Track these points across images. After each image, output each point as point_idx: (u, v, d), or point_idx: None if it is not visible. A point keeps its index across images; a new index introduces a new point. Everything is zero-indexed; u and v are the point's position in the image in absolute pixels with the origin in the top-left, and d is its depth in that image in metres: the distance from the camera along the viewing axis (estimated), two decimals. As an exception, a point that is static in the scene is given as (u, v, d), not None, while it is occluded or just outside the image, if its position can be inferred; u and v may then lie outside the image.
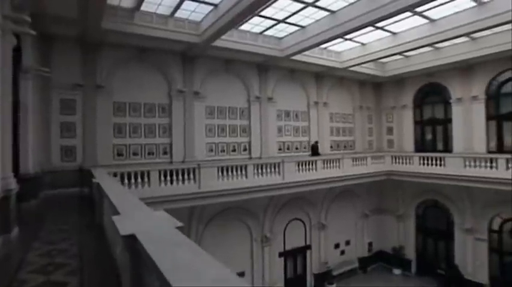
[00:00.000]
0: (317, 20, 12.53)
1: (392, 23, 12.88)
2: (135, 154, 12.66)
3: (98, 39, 11.46)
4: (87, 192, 11.07)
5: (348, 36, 14.13)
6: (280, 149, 16.44)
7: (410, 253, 18.46)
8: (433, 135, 18.18)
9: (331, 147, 18.38)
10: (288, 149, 16.71)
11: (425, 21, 12.77)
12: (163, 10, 11.36)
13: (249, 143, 15.35)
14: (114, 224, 2.91)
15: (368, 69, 17.48)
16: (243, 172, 12.73)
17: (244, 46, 13.24)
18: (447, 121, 17.43)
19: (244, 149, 15.26)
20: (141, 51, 12.60)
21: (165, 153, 13.23)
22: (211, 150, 14.37)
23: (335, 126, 18.64)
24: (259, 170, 13.20)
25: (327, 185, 15.33)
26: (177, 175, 11.31)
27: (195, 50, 13.12)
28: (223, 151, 14.68)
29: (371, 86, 20.21)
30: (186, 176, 11.44)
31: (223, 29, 11.37)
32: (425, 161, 16.23)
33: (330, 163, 15.49)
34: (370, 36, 14.46)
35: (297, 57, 14.68)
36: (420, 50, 15.38)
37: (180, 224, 2.82)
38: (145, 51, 12.67)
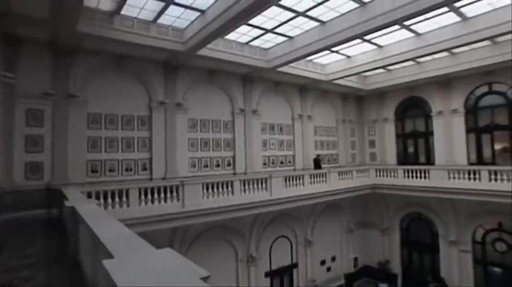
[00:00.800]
0: (306, 31, 12.18)
1: (380, 36, 12.81)
2: (111, 170, 11.47)
3: (71, 44, 10.38)
4: (55, 214, 9.75)
5: (334, 49, 13.92)
6: (265, 164, 15.76)
7: (396, 267, 18.16)
8: (415, 148, 18.28)
9: (316, 161, 17.95)
10: (272, 163, 16.07)
11: (411, 35, 12.80)
12: (146, 15, 10.53)
13: (234, 157, 14.55)
14: (108, 274, 2.05)
15: (351, 82, 17.40)
16: (229, 189, 11.88)
17: (230, 56, 12.61)
18: (428, 134, 17.60)
19: (229, 164, 14.42)
20: (119, 59, 11.61)
21: (144, 169, 12.12)
22: (194, 165, 13.41)
23: (319, 139, 18.29)
24: (246, 186, 12.41)
25: (314, 201, 14.76)
26: (158, 193, 10.27)
27: (178, 59, 12.31)
28: (207, 166, 13.77)
29: (353, 99, 20.19)
30: (168, 194, 10.42)
31: (210, 36, 10.69)
32: (410, 174, 16.16)
33: (316, 177, 15.01)
34: (356, 49, 14.35)
35: (283, 68, 14.24)
36: (402, 64, 15.52)
37: (205, 273, 2.02)
38: (125, 58, 11.69)
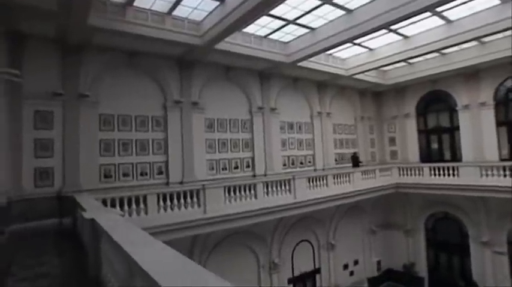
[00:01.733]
0: (331, 21, 11.25)
1: (407, 25, 11.85)
2: (125, 174, 10.59)
3: (81, 40, 9.53)
4: (68, 224, 8.89)
5: (357, 41, 12.98)
6: (284, 165, 14.81)
7: (422, 270, 17.10)
8: (439, 145, 17.23)
9: (336, 160, 16.97)
10: (292, 164, 15.12)
11: (442, 22, 11.82)
12: (160, 6, 9.65)
13: (253, 158, 13.63)
14: None
15: (371, 77, 16.43)
16: (252, 192, 10.99)
17: (249, 50, 11.70)
18: (454, 129, 16.55)
19: (248, 166, 13.49)
20: (132, 55, 10.74)
21: (160, 173, 11.23)
22: (212, 168, 12.50)
23: (338, 138, 17.31)
24: (269, 189, 11.51)
25: (339, 202, 13.81)
26: (178, 199, 9.39)
27: (194, 54, 11.42)
28: (225, 168, 12.85)
29: (371, 96, 19.20)
30: (189, 200, 9.55)
31: (230, 28, 9.80)
32: (436, 172, 15.17)
33: (340, 178, 14.07)
34: (379, 41, 13.39)
35: (303, 63, 13.32)
36: (426, 56, 14.53)
37: None
38: (137, 55, 10.83)
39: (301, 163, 15.46)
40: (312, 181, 12.92)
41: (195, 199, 9.68)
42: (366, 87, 18.27)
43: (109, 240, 3.41)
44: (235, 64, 12.91)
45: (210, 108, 12.53)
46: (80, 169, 9.62)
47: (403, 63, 16.01)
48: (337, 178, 13.90)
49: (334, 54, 14.68)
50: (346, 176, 14.34)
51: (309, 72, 14.61)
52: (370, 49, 14.19)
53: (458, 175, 14.41)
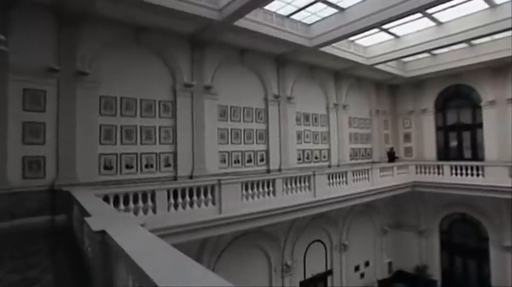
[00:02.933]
0: (363, 0, 9.94)
1: (444, 9, 10.59)
2: (128, 166, 9.17)
3: (81, 8, 7.98)
4: (62, 222, 7.49)
5: (386, 26, 11.68)
6: (299, 159, 13.54)
7: (435, 273, 16.16)
8: (459, 142, 16.16)
9: (350, 156, 15.78)
10: (307, 158, 13.85)
11: (485, 6, 10.59)
12: (175, -28, 8.20)
13: (267, 151, 12.30)
14: None
15: (391, 67, 15.20)
16: (270, 189, 9.72)
17: (270, 30, 10.28)
18: (476, 126, 15.47)
19: (261, 159, 12.17)
20: (139, 31, 9.25)
21: (167, 165, 9.84)
22: (224, 160, 11.15)
23: (353, 132, 16.09)
24: (288, 185, 10.27)
25: (357, 201, 12.63)
26: (190, 195, 8.06)
27: (208, 32, 9.96)
28: (238, 161, 11.51)
29: (387, 89, 17.97)
30: (202, 197, 8.23)
31: (253, 2, 8.40)
32: (458, 171, 14.11)
33: (359, 175, 12.89)
34: (408, 27, 12.11)
35: (325, 49, 11.97)
36: (453, 47, 13.38)
37: None
38: (145, 30, 9.34)
39: (316, 158, 14.21)
40: (332, 178, 11.73)
41: (209, 196, 8.37)
42: (382, 80, 17.04)
43: (139, 275, 2.08)
44: (251, 46, 11.49)
45: (223, 94, 11.13)
46: (76, 159, 8.17)
47: (425, 55, 14.81)
48: (356, 175, 12.74)
49: (356, 42, 13.38)
50: (364, 173, 13.18)
51: (326, 60, 13.27)
52: (397, 36, 12.90)
53: (483, 175, 13.36)
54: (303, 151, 13.64)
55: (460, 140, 16.06)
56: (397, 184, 14.50)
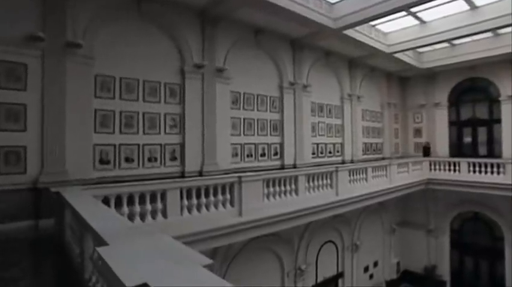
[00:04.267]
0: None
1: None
2: (128, 159, 7.57)
3: (72, -40, 6.34)
4: (48, 229, 5.88)
5: (413, 9, 10.41)
6: (313, 154, 12.20)
7: (445, 274, 15.33)
8: (474, 138, 15.22)
9: (363, 151, 14.58)
10: (321, 153, 12.52)
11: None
12: None
13: (281, 144, 10.89)
14: None
15: (408, 57, 14.01)
16: (293, 186, 8.37)
17: (294, 5, 8.78)
18: (493, 122, 14.54)
19: (275, 153, 10.75)
20: (141, 0, 7.64)
21: (173, 158, 8.28)
22: (236, 154, 9.66)
23: (365, 125, 14.87)
24: (311, 183, 8.95)
25: (376, 200, 11.48)
26: (206, 195, 6.60)
27: (223, 6, 8.39)
28: (250, 155, 10.05)
29: (397, 81, 16.82)
30: (220, 196, 6.79)
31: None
32: (477, 169, 13.16)
33: (377, 171, 11.72)
34: (436, 12, 10.88)
35: (348, 32, 10.59)
36: (474, 37, 12.27)
37: None
38: (149, 0, 7.72)
39: (330, 152, 12.90)
40: (353, 174, 10.50)
41: (227, 196, 6.93)
42: (394, 71, 15.87)
43: None
44: (267, 26, 9.98)
45: (235, 79, 9.60)
46: (65, 150, 6.52)
47: (444, 45, 13.68)
48: (375, 171, 11.56)
49: (377, 27, 12.07)
50: (383, 170, 12.02)
51: (344, 46, 11.90)
52: (423, 22, 11.64)
53: (504, 173, 12.45)
54: (317, 144, 12.30)
55: (474, 136, 15.11)
56: (414, 181, 13.44)
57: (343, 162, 13.21)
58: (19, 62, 6.13)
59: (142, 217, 5.69)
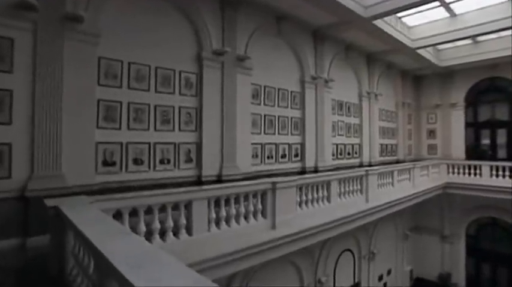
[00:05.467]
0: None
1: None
2: (137, 161, 6.23)
3: None
4: (40, 249, 4.47)
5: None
6: (333, 155, 11.09)
7: (460, 282, 14.49)
8: (492, 141, 14.42)
9: (379, 152, 13.56)
10: (340, 154, 11.43)
11: None
12: None
13: (302, 145, 9.71)
14: None
15: (430, 54, 13.08)
16: (325, 193, 7.23)
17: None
18: (514, 124, 13.80)
19: (296, 155, 9.57)
20: (155, -33, 6.32)
21: (188, 160, 6.98)
22: (256, 155, 8.44)
23: (381, 125, 13.86)
24: (342, 189, 7.83)
25: (402, 206, 10.45)
26: (236, 205, 5.38)
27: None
28: (271, 156, 8.84)
29: (411, 80, 15.91)
30: (251, 207, 5.57)
31: None
32: (500, 173, 12.34)
33: (402, 174, 10.73)
34: (469, 3, 9.96)
35: (377, 22, 9.53)
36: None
37: None
38: (163, -31, 6.44)
39: (348, 154, 11.82)
40: (381, 178, 9.45)
41: (259, 205, 5.72)
42: (410, 69, 14.95)
43: None
44: (291, 12, 8.77)
45: (256, 70, 8.35)
46: (62, 149, 5.17)
47: (465, 42, 12.83)
48: (400, 175, 10.57)
49: (403, 19, 11.07)
50: (407, 173, 11.04)
51: (367, 39, 10.81)
52: (454, 14, 10.68)
53: (531, 178, 11.67)
54: (337, 145, 11.20)
55: (493, 138, 14.33)
56: (435, 185, 12.52)
57: (361, 164, 12.16)
58: (4, 36, 4.75)
59: (163, 235, 4.43)
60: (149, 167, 6.35)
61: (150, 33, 6.42)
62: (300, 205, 6.60)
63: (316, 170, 9.77)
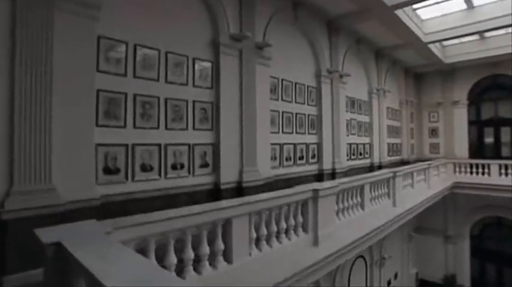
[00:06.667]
0: None
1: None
2: (145, 167, 4.99)
3: None
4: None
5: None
6: (346, 156, 10.22)
7: (465, 283, 14.09)
8: (496, 139, 14.13)
9: (386, 152, 12.87)
10: (353, 155, 10.59)
11: None
12: None
13: (319, 145, 8.76)
14: None
15: (437, 50, 12.54)
16: (358, 199, 6.32)
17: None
18: (517, 121, 13.54)
19: (313, 156, 8.61)
20: None
21: (204, 165, 5.80)
22: (275, 157, 7.38)
23: (388, 124, 13.17)
24: (372, 193, 6.95)
25: (422, 208, 9.77)
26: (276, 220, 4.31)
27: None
28: (289, 158, 7.82)
29: (412, 77, 15.40)
30: (291, 221, 4.53)
31: None
32: (508, 171, 11.98)
33: (419, 175, 10.05)
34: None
35: (398, 12, 8.76)
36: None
37: None
38: None
39: (360, 154, 11.00)
40: (404, 180, 8.68)
41: (299, 218, 4.68)
42: (412, 66, 14.42)
43: None
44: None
45: (274, 61, 7.29)
46: (52, 153, 3.88)
47: (472, 38, 12.41)
48: (417, 175, 9.87)
49: (417, 11, 10.41)
50: (423, 173, 10.38)
51: (380, 31, 10.03)
52: (471, 6, 10.12)
53: (541, 176, 11.36)
54: (350, 145, 10.35)
55: (497, 136, 14.04)
56: (447, 186, 11.98)
57: (371, 165, 11.40)
58: (-31, 0, 3.44)
59: (198, 267, 3.29)
60: (159, 174, 5.14)
61: (159, 10, 5.22)
62: (337, 214, 5.64)
63: (333, 173, 8.86)
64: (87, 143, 4.25)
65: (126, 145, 4.77)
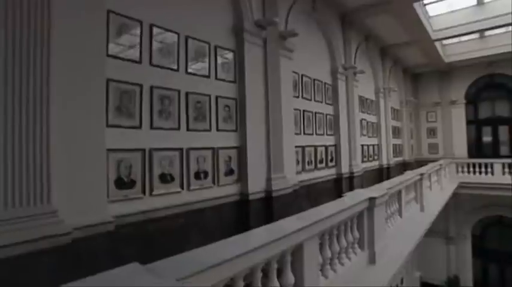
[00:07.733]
0: None
1: None
2: (165, 178, 3.98)
3: None
4: None
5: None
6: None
7: (468, 284, 13.87)
8: (494, 138, 14.08)
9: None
10: (365, 157, 9.96)
11: None
12: None
13: (336, 147, 8.04)
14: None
15: (440, 48, 12.27)
16: (396, 206, 5.68)
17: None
18: (515, 120, 13.55)
19: (331, 159, 7.85)
20: None
21: (229, 172, 4.86)
22: (297, 161, 6.56)
23: (392, 124, 12.74)
24: (406, 198, 6.31)
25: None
26: (338, 238, 3.48)
27: None
28: (310, 162, 7.01)
29: (410, 77, 15.14)
30: (349, 237, 3.71)
31: None
32: (511, 170, 11.87)
33: (434, 176, 9.59)
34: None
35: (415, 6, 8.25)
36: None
37: None
38: None
39: (370, 156, 10.42)
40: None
41: (355, 233, 3.87)
42: (411, 66, 14.16)
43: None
44: (326, -12, 7.14)
45: (296, 54, 6.49)
46: (51, 166, 2.83)
47: (472, 36, 12.27)
48: (433, 177, 9.41)
49: (427, 7, 10.02)
50: (435, 175, 9.93)
51: (388, 26, 9.59)
52: (483, 2, 9.83)
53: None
54: (362, 146, 9.72)
55: (495, 135, 14.00)
56: (455, 186, 11.66)
57: (380, 167, 10.86)
58: None
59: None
60: (182, 186, 4.16)
61: (176, -12, 4.28)
62: (385, 224, 4.89)
63: (351, 177, 8.17)
64: (97, 149, 3.22)
65: (143, 150, 3.77)
